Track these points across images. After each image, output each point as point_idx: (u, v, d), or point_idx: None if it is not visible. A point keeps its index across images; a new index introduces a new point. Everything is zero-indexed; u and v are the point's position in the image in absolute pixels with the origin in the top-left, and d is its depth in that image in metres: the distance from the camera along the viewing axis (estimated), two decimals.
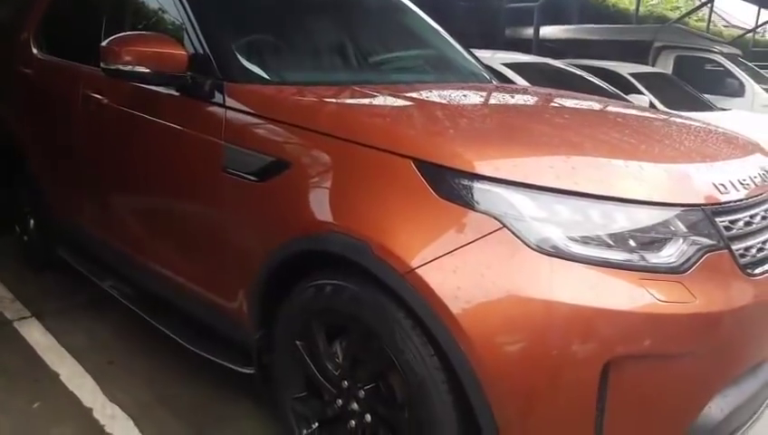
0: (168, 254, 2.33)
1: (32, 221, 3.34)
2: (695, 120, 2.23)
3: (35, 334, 2.74)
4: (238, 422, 2.21)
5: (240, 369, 2.04)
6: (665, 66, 9.02)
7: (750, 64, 9.87)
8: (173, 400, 2.31)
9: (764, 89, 8.74)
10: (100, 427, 2.15)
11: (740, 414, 1.57)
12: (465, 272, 1.39)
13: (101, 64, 2.07)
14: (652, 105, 5.76)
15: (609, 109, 2.26)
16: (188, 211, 2.21)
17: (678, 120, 2.14)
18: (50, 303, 3.03)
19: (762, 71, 9.93)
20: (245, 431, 2.16)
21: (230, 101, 1.94)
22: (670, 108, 5.35)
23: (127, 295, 2.60)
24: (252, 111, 1.89)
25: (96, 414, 2.21)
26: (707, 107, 6.56)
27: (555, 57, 6.26)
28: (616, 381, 1.33)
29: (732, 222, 1.50)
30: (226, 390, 2.35)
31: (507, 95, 2.37)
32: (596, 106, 2.27)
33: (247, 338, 2.00)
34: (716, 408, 1.46)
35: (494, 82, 2.80)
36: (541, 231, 1.38)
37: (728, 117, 6.04)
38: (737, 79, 8.70)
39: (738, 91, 8.54)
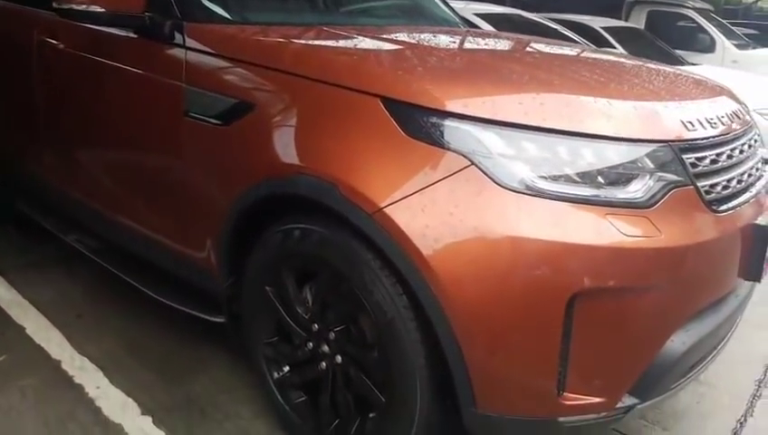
0: (132, 204, 2.27)
1: None
2: (665, 65, 2.22)
3: None
4: (208, 371, 2.21)
5: (210, 318, 2.02)
6: (637, 21, 9.00)
7: (722, 20, 9.91)
8: (143, 351, 2.30)
9: (735, 45, 8.80)
10: (69, 378, 2.13)
11: (701, 348, 1.61)
12: (433, 210, 1.38)
13: (54, 4, 1.97)
14: None
15: (580, 52, 2.24)
16: (150, 159, 2.15)
17: (649, 64, 2.13)
18: (13, 258, 2.96)
19: (733, 27, 9.98)
20: (216, 379, 2.16)
21: (190, 42, 1.87)
22: None
23: (92, 249, 2.54)
24: (213, 52, 1.83)
25: (65, 366, 2.19)
26: (678, 62, 6.58)
27: (529, 11, 6.19)
28: (581, 314, 1.34)
29: (698, 159, 1.50)
30: (197, 340, 2.34)
31: (478, 38, 2.33)
32: (566, 49, 2.25)
33: (217, 287, 1.97)
34: (679, 341, 1.49)
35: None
36: (508, 168, 1.37)
37: (698, 72, 6.06)
38: (709, 34, 8.73)
39: (709, 47, 8.58)
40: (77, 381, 2.11)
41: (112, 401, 2.02)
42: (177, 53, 1.90)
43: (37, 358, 2.23)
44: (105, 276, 2.46)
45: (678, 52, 7.11)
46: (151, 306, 2.22)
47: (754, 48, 9.16)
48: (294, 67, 1.65)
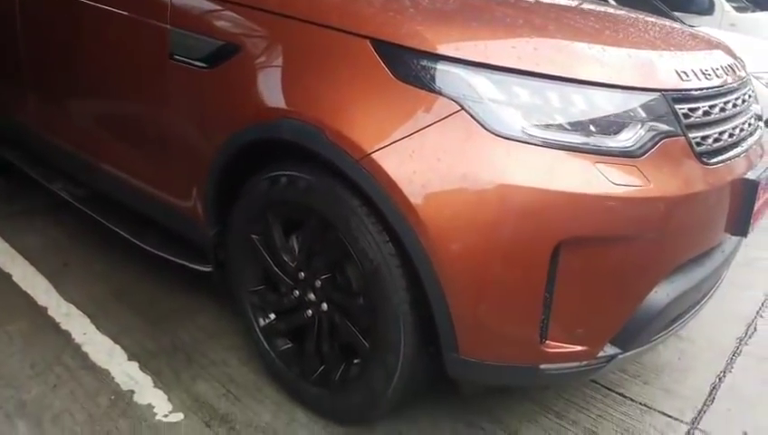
0: (117, 152, 2.24)
1: None
2: (662, 18, 2.18)
3: None
4: (194, 317, 2.22)
5: (197, 267, 2.02)
6: None
7: None
8: (129, 298, 2.30)
9: (734, 7, 8.67)
10: (56, 324, 2.13)
11: (685, 301, 1.62)
12: (421, 156, 1.36)
13: None
14: None
15: (576, 1, 2.18)
16: (135, 105, 2.10)
17: (646, 16, 2.09)
18: (0, 207, 2.93)
19: None
20: (203, 327, 2.17)
21: None
22: None
23: (79, 198, 2.51)
24: None
25: (51, 312, 2.19)
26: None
27: None
28: (566, 262, 1.34)
29: (691, 110, 1.48)
30: (184, 287, 2.34)
31: None
32: None
33: (203, 236, 1.96)
34: (663, 292, 1.50)
35: None
36: (499, 114, 1.35)
37: None
38: None
39: (707, 9, 8.42)
40: (64, 327, 2.11)
41: (99, 346, 2.02)
42: None
43: (24, 304, 2.23)
44: (92, 225, 2.45)
45: (676, 13, 6.99)
46: (138, 255, 2.21)
47: (753, 11, 9.03)
48: (281, 7, 1.60)
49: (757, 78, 4.75)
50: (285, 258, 1.74)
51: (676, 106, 1.44)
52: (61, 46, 2.36)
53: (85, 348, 2.01)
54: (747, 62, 1.97)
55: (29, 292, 2.30)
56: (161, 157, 2.03)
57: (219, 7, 1.73)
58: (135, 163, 2.16)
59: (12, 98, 2.75)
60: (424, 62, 1.39)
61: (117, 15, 2.03)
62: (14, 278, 2.38)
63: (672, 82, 1.46)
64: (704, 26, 6.91)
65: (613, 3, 5.90)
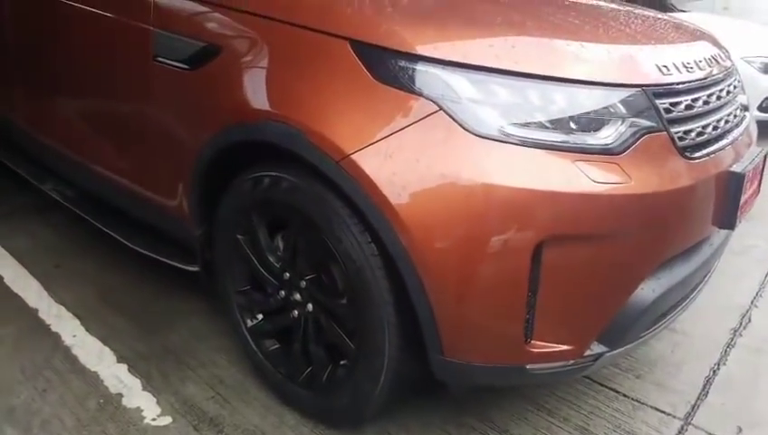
0: (104, 152, 2.23)
1: None
2: (646, 9, 2.16)
3: None
4: (184, 318, 2.21)
5: (185, 267, 2.01)
6: None
7: None
8: (120, 299, 2.30)
9: None
10: (46, 326, 2.13)
11: (673, 296, 1.60)
12: (400, 157, 1.35)
13: None
14: None
15: None
16: (121, 106, 2.10)
17: (628, 7, 2.06)
18: None
19: None
20: (192, 328, 2.17)
21: None
22: None
23: (70, 198, 2.51)
24: None
25: (42, 314, 2.19)
26: (667, 8, 6.43)
27: None
28: (548, 261, 1.33)
29: (673, 105, 1.46)
30: (174, 289, 2.34)
31: None
32: None
33: (190, 236, 1.96)
34: (648, 289, 1.48)
35: None
36: (477, 114, 1.34)
37: (686, 18, 5.90)
38: None
39: None
40: (54, 329, 2.12)
41: (88, 349, 2.03)
42: None
43: (15, 306, 2.23)
44: (83, 225, 2.45)
45: None
46: (129, 255, 2.21)
47: None
48: (261, 8, 1.59)
49: (749, 62, 4.70)
50: (271, 259, 1.74)
51: (658, 101, 1.43)
52: (47, 47, 2.36)
53: (75, 351, 2.01)
54: (739, 46, 1.94)
55: (20, 293, 2.30)
56: (147, 156, 2.03)
57: (200, 8, 1.73)
58: (121, 163, 2.16)
59: (1, 97, 2.75)
60: (402, 63, 1.38)
61: (102, 17, 2.02)
62: (6, 280, 2.38)
63: (653, 77, 1.44)
64: (697, 10, 6.87)
65: None
